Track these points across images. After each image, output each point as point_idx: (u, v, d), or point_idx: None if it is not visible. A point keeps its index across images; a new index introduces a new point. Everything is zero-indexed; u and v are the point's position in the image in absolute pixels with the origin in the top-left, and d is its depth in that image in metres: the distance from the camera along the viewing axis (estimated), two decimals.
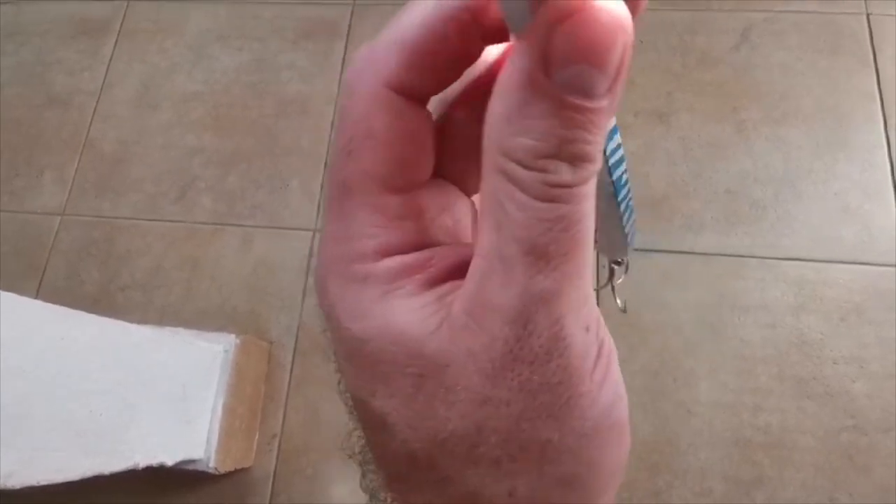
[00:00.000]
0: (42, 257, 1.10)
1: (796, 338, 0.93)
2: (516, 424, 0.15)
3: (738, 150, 1.04)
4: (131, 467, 0.71)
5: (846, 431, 0.88)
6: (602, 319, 0.16)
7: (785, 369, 0.91)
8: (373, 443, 0.17)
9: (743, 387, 0.91)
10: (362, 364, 0.16)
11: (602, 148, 0.14)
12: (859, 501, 0.84)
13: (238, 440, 0.91)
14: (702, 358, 0.93)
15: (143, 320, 0.94)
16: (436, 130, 0.17)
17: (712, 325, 0.95)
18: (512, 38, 0.14)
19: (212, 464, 0.84)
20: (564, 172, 0.13)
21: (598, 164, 0.14)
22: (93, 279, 1.08)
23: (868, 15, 1.10)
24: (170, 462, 0.78)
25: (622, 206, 0.19)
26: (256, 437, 0.95)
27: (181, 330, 0.93)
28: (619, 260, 0.25)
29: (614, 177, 0.18)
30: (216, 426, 0.86)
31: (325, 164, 1.11)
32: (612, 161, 0.17)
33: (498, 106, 0.14)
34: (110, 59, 1.25)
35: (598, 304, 0.16)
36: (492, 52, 0.17)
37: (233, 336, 0.92)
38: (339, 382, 0.18)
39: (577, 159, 0.13)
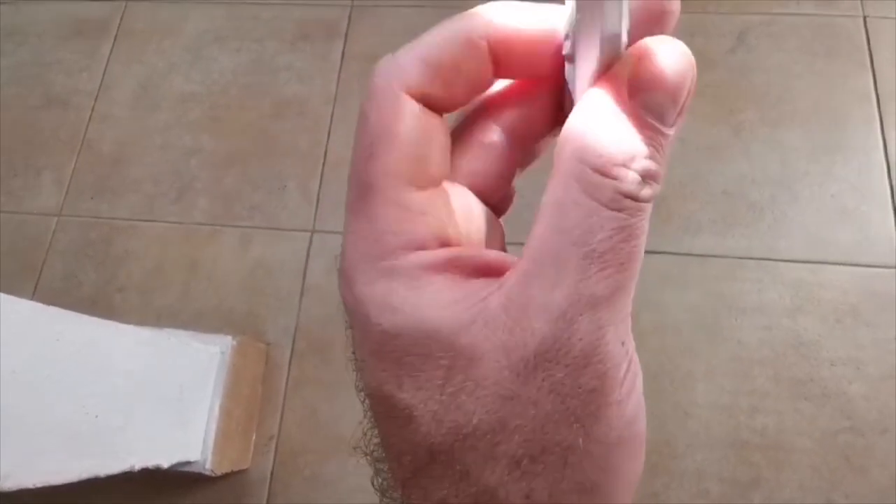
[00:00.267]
0: (39, 258, 1.10)
1: (793, 339, 0.93)
2: (541, 426, 0.15)
3: (735, 153, 1.04)
4: (127, 469, 0.71)
5: (843, 433, 0.88)
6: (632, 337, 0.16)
7: (782, 371, 0.91)
8: (392, 438, 0.17)
9: (740, 388, 0.91)
10: (390, 357, 0.16)
11: (664, 178, 0.16)
12: (856, 503, 0.85)
13: (235, 442, 0.90)
14: (699, 359, 0.93)
15: (140, 322, 0.94)
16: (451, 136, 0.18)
17: (709, 326, 0.95)
18: (581, 63, 0.16)
19: (208, 466, 0.84)
20: (635, 185, 0.15)
21: (660, 188, 0.15)
22: (90, 280, 1.07)
23: (865, 17, 1.11)
24: (166, 464, 0.78)
25: None
26: (253, 438, 0.95)
27: (178, 331, 0.93)
28: None
29: None
30: (213, 428, 0.86)
31: (323, 165, 1.11)
32: None
33: (580, 120, 0.15)
34: (108, 60, 1.25)
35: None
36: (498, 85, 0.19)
37: (230, 337, 0.92)
38: (357, 379, 0.18)
39: (646, 175, 0.15)
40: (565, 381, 0.15)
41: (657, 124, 0.15)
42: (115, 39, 1.26)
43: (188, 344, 0.87)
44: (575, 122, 0.15)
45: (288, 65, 1.19)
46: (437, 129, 0.17)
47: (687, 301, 0.96)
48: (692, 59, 0.15)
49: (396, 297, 0.16)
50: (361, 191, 0.17)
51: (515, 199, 0.21)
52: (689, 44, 0.15)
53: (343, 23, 1.22)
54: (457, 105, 0.18)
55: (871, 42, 1.09)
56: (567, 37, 0.16)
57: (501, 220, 0.21)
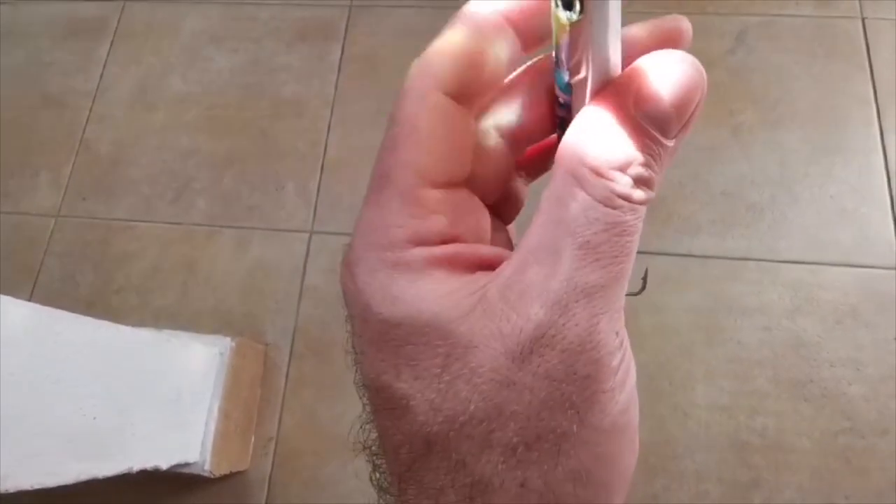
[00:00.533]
0: (36, 259, 1.09)
1: (793, 340, 0.93)
2: (536, 412, 0.16)
3: (734, 153, 1.05)
4: (126, 471, 0.71)
5: (843, 434, 0.88)
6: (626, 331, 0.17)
7: (781, 372, 0.91)
8: (390, 430, 0.17)
9: (739, 389, 0.91)
10: (389, 347, 0.17)
11: (661, 185, 0.16)
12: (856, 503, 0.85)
13: (233, 443, 0.90)
14: (698, 360, 0.93)
15: (138, 323, 0.94)
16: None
17: (709, 327, 0.95)
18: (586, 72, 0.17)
19: (207, 467, 0.84)
20: (628, 187, 0.16)
21: (653, 194, 0.16)
22: (87, 281, 1.07)
23: (863, 19, 1.11)
24: (165, 465, 0.78)
25: None
26: (252, 440, 0.95)
27: (177, 332, 0.93)
28: None
29: None
30: (211, 429, 0.85)
31: (322, 165, 1.11)
32: None
33: (582, 125, 0.16)
34: (105, 61, 1.24)
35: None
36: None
37: (228, 339, 0.92)
38: (355, 373, 0.18)
39: (640, 181, 0.16)
40: (560, 366, 0.15)
41: (658, 135, 0.16)
42: (112, 40, 1.26)
43: (187, 345, 0.87)
44: (579, 125, 0.16)
45: (286, 65, 1.19)
46: (463, 128, 0.18)
47: (686, 302, 0.96)
48: (703, 74, 0.16)
49: (397, 287, 0.17)
50: (379, 182, 0.17)
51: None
52: None
53: (341, 23, 1.22)
54: (485, 89, 0.18)
55: (870, 43, 1.09)
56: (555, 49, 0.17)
57: (512, 225, 0.22)
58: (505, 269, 0.16)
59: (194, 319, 1.02)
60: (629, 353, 0.17)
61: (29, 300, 0.60)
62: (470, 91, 0.18)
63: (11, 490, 0.55)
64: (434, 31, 0.18)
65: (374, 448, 0.19)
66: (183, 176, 1.13)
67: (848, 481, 0.85)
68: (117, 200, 1.12)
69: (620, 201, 0.16)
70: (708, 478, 0.88)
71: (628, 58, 0.16)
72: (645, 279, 0.27)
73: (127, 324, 0.74)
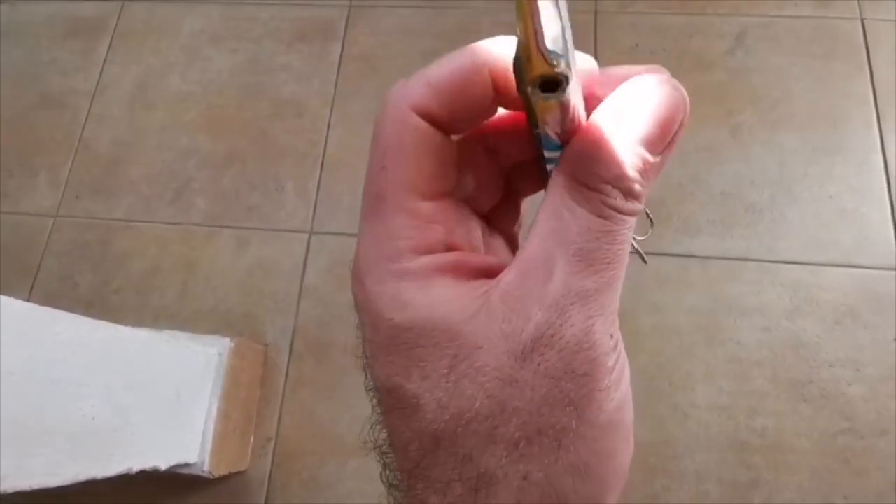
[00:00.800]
0: (35, 259, 1.09)
1: (792, 341, 0.93)
2: (537, 408, 0.17)
3: (733, 154, 1.05)
4: (125, 471, 0.70)
5: (842, 434, 0.88)
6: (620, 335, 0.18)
7: (780, 372, 0.91)
8: (400, 428, 0.18)
9: (739, 390, 0.91)
10: (400, 350, 0.18)
11: (647, 197, 0.18)
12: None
13: (233, 444, 0.90)
14: (698, 361, 0.93)
15: (137, 323, 0.94)
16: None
17: (708, 328, 0.95)
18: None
19: (206, 468, 0.84)
20: (619, 199, 0.17)
21: (642, 206, 0.18)
22: (86, 281, 1.07)
23: (863, 20, 1.11)
24: (164, 466, 0.78)
25: None
26: (251, 440, 0.95)
27: (176, 333, 0.93)
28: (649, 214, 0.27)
29: None
30: (210, 430, 0.85)
31: (321, 166, 1.11)
32: None
33: (578, 144, 0.17)
34: (105, 60, 1.24)
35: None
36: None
37: (227, 339, 0.92)
38: (365, 377, 0.20)
39: (629, 194, 0.17)
40: (559, 364, 0.17)
41: (644, 153, 0.17)
42: (111, 39, 1.26)
43: (186, 345, 0.87)
44: (573, 146, 0.18)
45: (285, 65, 1.19)
46: (444, 145, 0.19)
47: (686, 302, 0.96)
48: (685, 96, 0.18)
49: (407, 293, 0.18)
50: (375, 200, 0.19)
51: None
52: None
53: (341, 23, 1.22)
54: (462, 128, 0.20)
55: (869, 44, 1.09)
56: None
57: (516, 229, 0.24)
58: (506, 276, 0.18)
59: (193, 319, 1.02)
60: (623, 354, 0.18)
61: (28, 300, 0.60)
62: (448, 124, 0.19)
63: (10, 491, 0.55)
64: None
65: (384, 447, 0.20)
66: (182, 176, 1.13)
67: (847, 481, 0.85)
68: (116, 200, 1.12)
69: (611, 212, 0.17)
70: (708, 478, 0.88)
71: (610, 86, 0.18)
72: (650, 218, 0.28)
73: (126, 324, 0.74)
